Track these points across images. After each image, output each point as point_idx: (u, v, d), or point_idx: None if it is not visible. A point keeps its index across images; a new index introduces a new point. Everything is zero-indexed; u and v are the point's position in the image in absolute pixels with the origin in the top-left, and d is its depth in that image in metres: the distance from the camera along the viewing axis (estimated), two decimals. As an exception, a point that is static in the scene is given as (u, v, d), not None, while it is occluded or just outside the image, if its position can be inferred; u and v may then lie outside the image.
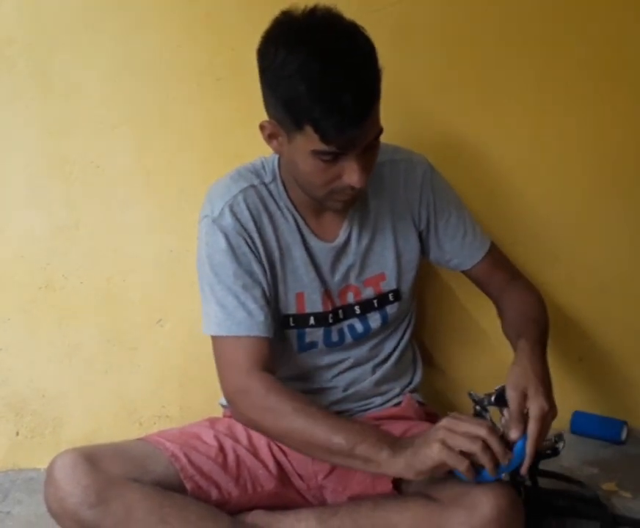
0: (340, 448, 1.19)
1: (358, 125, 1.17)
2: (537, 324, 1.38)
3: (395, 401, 1.51)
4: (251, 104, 1.63)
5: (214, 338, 1.34)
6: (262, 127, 1.27)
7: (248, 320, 1.32)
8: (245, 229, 1.34)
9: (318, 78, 1.14)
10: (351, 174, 1.22)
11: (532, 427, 1.14)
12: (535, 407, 1.15)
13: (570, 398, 1.79)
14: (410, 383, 1.54)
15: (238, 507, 1.36)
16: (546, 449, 1.23)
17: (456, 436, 1.12)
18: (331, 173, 1.23)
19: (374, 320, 1.46)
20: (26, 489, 1.71)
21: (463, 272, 1.53)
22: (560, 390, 1.78)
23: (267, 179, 1.39)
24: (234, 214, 1.34)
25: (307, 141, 1.19)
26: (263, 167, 1.40)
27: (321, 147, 1.18)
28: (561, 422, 1.78)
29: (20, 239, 1.71)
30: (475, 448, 1.10)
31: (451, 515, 1.16)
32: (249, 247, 1.34)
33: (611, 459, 1.69)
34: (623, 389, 1.81)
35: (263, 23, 1.61)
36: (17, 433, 1.79)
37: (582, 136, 1.70)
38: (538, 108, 1.69)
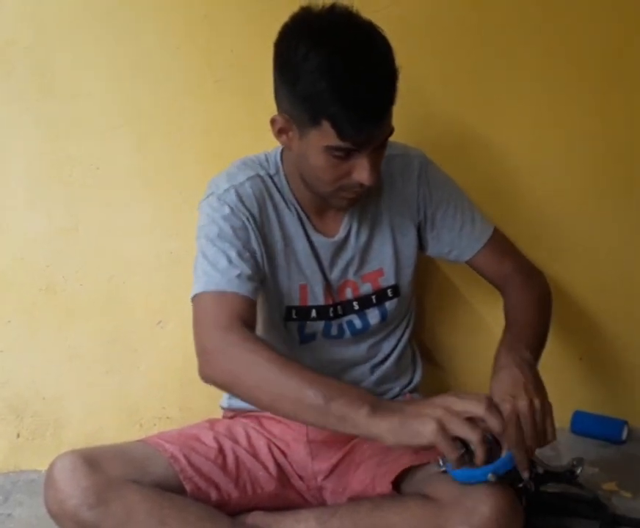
0: (313, 402, 1.10)
1: (376, 123, 1.19)
2: (531, 327, 1.38)
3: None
4: (250, 105, 1.65)
5: (198, 297, 1.29)
6: (273, 121, 1.27)
7: (237, 280, 1.28)
8: (249, 211, 1.34)
9: (340, 74, 1.16)
10: (361, 172, 1.23)
11: (520, 423, 1.14)
12: (520, 404, 1.15)
13: (570, 398, 1.79)
14: (410, 383, 1.54)
15: (238, 508, 1.36)
16: (564, 471, 1.22)
17: (454, 420, 1.06)
18: (341, 170, 1.24)
19: (373, 316, 1.46)
20: (27, 491, 1.70)
21: (467, 263, 1.52)
22: (560, 390, 1.78)
23: (271, 171, 1.40)
24: (239, 195, 1.34)
25: (323, 137, 1.20)
26: (267, 160, 1.41)
27: (337, 142, 1.20)
28: (561, 422, 1.79)
29: (20, 241, 1.71)
30: (473, 437, 1.05)
31: (450, 515, 1.16)
32: (251, 226, 1.34)
33: (611, 459, 1.69)
34: (624, 388, 1.81)
35: (262, 25, 1.62)
36: (18, 435, 1.79)
37: (586, 134, 1.70)
38: (540, 107, 1.69)
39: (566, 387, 1.79)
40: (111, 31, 1.63)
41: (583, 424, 1.77)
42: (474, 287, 1.71)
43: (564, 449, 1.73)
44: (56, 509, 1.22)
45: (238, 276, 1.29)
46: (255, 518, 1.35)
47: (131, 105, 1.66)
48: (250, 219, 1.34)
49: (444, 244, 1.50)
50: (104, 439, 1.60)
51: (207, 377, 1.25)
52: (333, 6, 1.22)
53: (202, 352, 1.24)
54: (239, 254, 1.31)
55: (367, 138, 1.21)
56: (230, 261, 1.30)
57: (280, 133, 1.28)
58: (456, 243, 1.50)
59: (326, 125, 1.19)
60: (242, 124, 1.66)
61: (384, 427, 1.08)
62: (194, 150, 1.68)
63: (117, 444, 1.34)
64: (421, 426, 1.06)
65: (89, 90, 1.65)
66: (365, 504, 1.28)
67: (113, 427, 1.77)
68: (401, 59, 1.62)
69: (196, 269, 1.33)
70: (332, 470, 1.44)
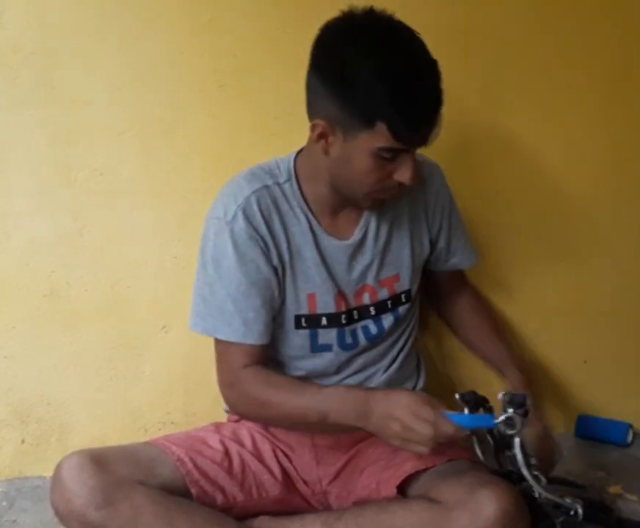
0: (315, 420, 1.29)
1: (430, 124, 1.22)
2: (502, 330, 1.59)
3: None
4: (254, 110, 1.65)
5: (215, 341, 1.38)
6: (314, 126, 1.27)
7: (243, 328, 1.34)
8: (258, 233, 1.34)
9: (398, 77, 1.18)
10: (405, 172, 1.26)
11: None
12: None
13: (575, 401, 1.80)
14: (414, 387, 1.54)
15: (244, 512, 1.37)
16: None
17: (411, 433, 1.18)
18: (385, 171, 1.26)
19: (388, 321, 1.46)
20: (31, 497, 1.70)
21: (437, 272, 1.59)
22: (565, 393, 1.80)
23: (282, 179, 1.38)
24: (247, 217, 1.33)
25: (375, 139, 1.21)
26: (278, 167, 1.40)
27: (391, 144, 1.21)
28: (566, 426, 1.80)
29: (24, 247, 1.71)
30: (425, 449, 1.18)
31: (455, 517, 1.16)
32: (261, 250, 1.34)
33: (616, 462, 1.69)
34: (628, 391, 1.81)
35: (266, 30, 1.64)
36: (23, 441, 1.79)
37: (590, 135, 1.71)
38: (545, 107, 1.69)
39: (571, 390, 1.80)
40: (116, 37, 1.63)
41: (588, 428, 1.78)
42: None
43: (569, 453, 1.73)
44: (62, 508, 1.22)
45: (244, 323, 1.34)
46: (261, 522, 1.36)
47: (135, 110, 1.66)
48: (260, 242, 1.34)
49: (450, 249, 1.54)
50: (109, 444, 1.59)
51: (232, 411, 1.48)
52: (373, 10, 1.23)
53: (223, 396, 1.41)
54: (245, 295, 1.34)
55: (421, 139, 1.24)
56: (236, 306, 1.34)
57: (319, 137, 1.28)
58: (460, 251, 1.55)
59: (380, 127, 1.20)
60: (246, 128, 1.66)
61: (371, 429, 1.25)
62: (199, 155, 1.69)
63: (123, 445, 1.35)
64: (385, 436, 1.23)
65: (93, 96, 1.65)
66: (370, 507, 1.29)
67: (118, 432, 1.77)
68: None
69: (201, 301, 1.37)
70: (336, 475, 1.44)
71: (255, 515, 1.38)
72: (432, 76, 1.21)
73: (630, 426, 1.75)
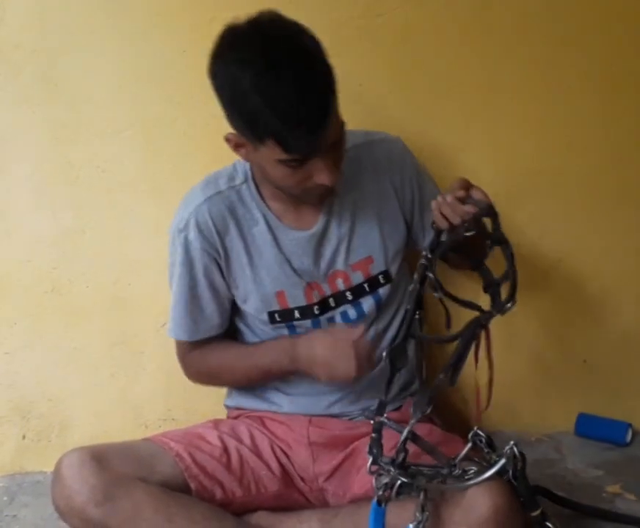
0: (259, 374, 1.45)
1: (318, 131, 1.18)
2: None
3: (396, 404, 1.51)
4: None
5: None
6: (228, 140, 1.29)
7: (193, 329, 1.46)
8: (208, 241, 1.39)
9: (272, 91, 1.15)
10: (320, 175, 1.24)
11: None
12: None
13: (574, 400, 1.80)
14: (411, 384, 1.54)
15: (242, 508, 1.38)
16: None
17: (333, 368, 1.34)
18: (301, 175, 1.25)
19: (368, 304, 1.45)
20: (32, 492, 1.71)
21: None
22: (564, 392, 1.81)
23: (238, 181, 1.41)
24: (198, 225, 1.39)
25: (271, 152, 1.21)
26: (236, 170, 1.43)
27: (285, 156, 1.20)
28: (565, 424, 1.80)
29: (26, 244, 1.72)
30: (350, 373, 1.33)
31: (449, 514, 1.16)
32: (213, 258, 1.41)
33: (615, 461, 1.69)
34: (628, 390, 1.80)
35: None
36: (24, 437, 1.79)
37: (589, 136, 1.70)
38: (544, 109, 1.69)
39: (571, 390, 1.80)
40: (118, 35, 1.64)
41: (587, 427, 1.78)
42: (474, 291, 1.71)
43: (568, 451, 1.74)
44: (63, 505, 1.23)
45: (194, 323, 1.45)
46: (259, 518, 1.37)
47: (137, 108, 1.67)
48: (211, 250, 1.40)
49: (425, 224, 1.47)
50: (109, 441, 1.60)
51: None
52: (258, 18, 1.20)
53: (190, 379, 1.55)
54: (194, 297, 1.43)
55: (313, 147, 1.20)
56: (186, 308, 1.44)
57: (237, 148, 1.29)
58: None
59: (270, 143, 1.19)
60: (247, 127, 1.66)
61: (305, 368, 1.39)
62: (200, 154, 1.69)
63: (123, 442, 1.36)
64: (315, 373, 1.38)
65: (95, 94, 1.66)
66: (366, 505, 1.27)
67: (118, 429, 1.77)
68: (405, 61, 1.65)
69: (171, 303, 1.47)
70: (332, 472, 1.44)
71: (254, 510, 1.39)
72: (312, 82, 1.17)
73: (630, 425, 1.75)
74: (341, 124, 1.25)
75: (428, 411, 1.16)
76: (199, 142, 1.69)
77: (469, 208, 1.18)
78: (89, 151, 1.68)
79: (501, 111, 1.69)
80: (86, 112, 1.67)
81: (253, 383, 1.50)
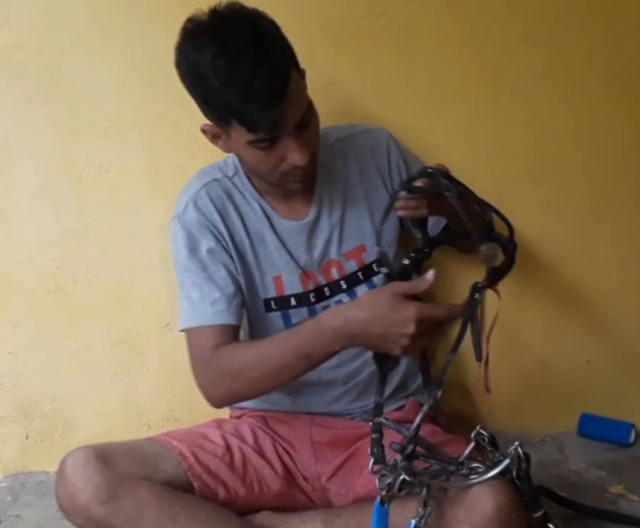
0: (299, 363, 1.26)
1: (276, 107, 1.18)
2: None
3: (400, 404, 1.51)
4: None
5: (186, 333, 1.39)
6: (204, 131, 1.31)
7: (211, 310, 1.36)
8: (210, 221, 1.39)
9: (227, 72, 1.17)
10: (291, 154, 1.24)
11: None
12: None
13: (578, 400, 1.79)
14: (411, 380, 1.54)
15: (246, 507, 1.38)
16: None
17: (394, 341, 1.18)
18: (274, 157, 1.25)
19: (363, 293, 1.43)
20: (35, 492, 1.72)
21: None
22: (567, 393, 1.80)
23: (230, 173, 1.42)
24: (197, 207, 1.39)
25: (239, 134, 1.23)
26: (226, 163, 1.45)
27: (252, 136, 1.21)
28: (568, 425, 1.79)
29: (29, 243, 1.72)
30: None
31: (452, 513, 1.16)
32: (215, 237, 1.38)
33: (618, 462, 1.69)
34: (631, 391, 1.80)
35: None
36: (27, 436, 1.80)
37: (588, 137, 1.70)
38: (544, 110, 1.69)
39: (574, 390, 1.80)
40: (121, 35, 1.64)
41: (590, 427, 1.78)
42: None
43: (571, 452, 1.74)
44: (67, 503, 1.24)
45: (212, 304, 1.36)
46: (262, 518, 1.37)
47: (141, 108, 1.67)
48: (213, 230, 1.38)
49: None
50: (112, 440, 1.60)
51: (216, 406, 1.36)
52: (215, 8, 1.23)
53: (200, 388, 1.35)
54: (208, 279, 1.37)
55: (276, 123, 1.20)
56: (202, 291, 1.36)
57: (214, 139, 1.31)
58: None
59: (235, 124, 1.21)
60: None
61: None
62: (204, 153, 1.68)
63: (127, 441, 1.36)
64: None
65: (98, 93, 1.66)
66: (370, 505, 1.28)
67: (121, 429, 1.78)
68: (408, 60, 1.65)
69: (179, 298, 1.41)
70: (335, 472, 1.44)
71: (257, 510, 1.39)
72: (268, 59, 1.17)
73: (633, 426, 1.75)
74: (308, 103, 1.26)
75: (440, 394, 1.15)
76: (202, 142, 1.68)
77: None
78: (93, 151, 1.68)
79: (504, 110, 1.69)
80: (89, 112, 1.67)
81: (285, 379, 1.32)
